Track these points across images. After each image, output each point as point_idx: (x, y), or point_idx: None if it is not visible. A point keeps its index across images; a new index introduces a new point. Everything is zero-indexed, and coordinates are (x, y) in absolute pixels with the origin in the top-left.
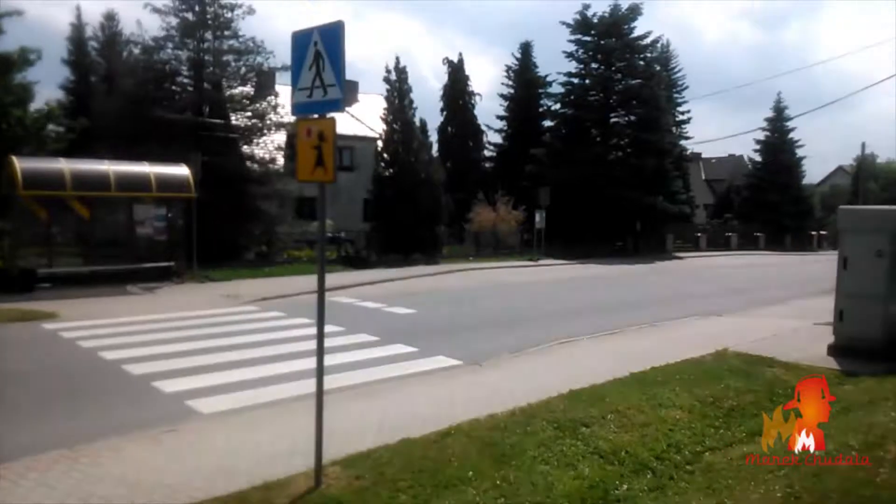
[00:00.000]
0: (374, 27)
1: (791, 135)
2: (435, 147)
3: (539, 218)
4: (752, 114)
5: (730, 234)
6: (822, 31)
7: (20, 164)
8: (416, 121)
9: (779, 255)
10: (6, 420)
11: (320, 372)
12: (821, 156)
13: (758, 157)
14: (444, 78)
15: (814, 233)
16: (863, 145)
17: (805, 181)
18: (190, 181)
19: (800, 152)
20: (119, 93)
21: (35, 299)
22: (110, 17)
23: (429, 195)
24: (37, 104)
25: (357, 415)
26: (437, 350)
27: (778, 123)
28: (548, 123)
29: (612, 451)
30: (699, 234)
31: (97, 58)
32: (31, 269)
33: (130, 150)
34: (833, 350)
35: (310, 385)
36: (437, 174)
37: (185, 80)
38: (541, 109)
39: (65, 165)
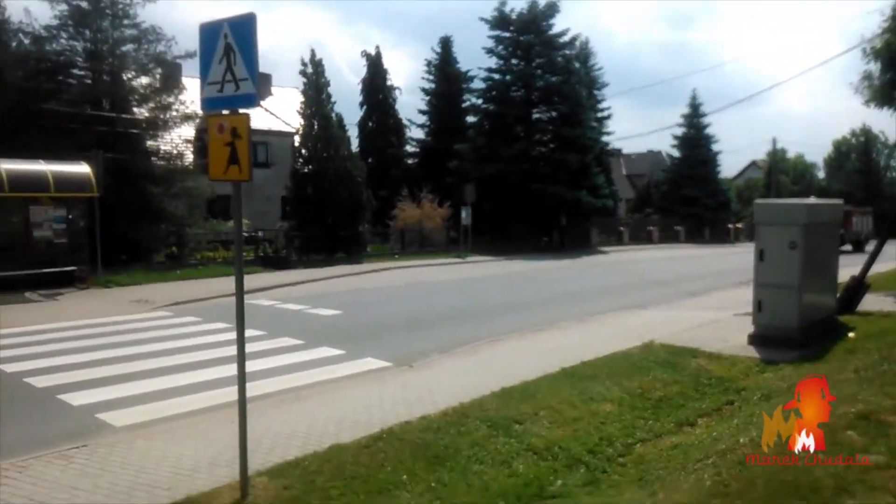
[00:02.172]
0: (286, 18)
1: (706, 130)
2: (356, 142)
3: (465, 214)
4: (669, 110)
5: (651, 227)
6: (729, 30)
7: None
8: (335, 115)
9: (698, 247)
10: None
11: (242, 378)
12: (735, 150)
13: (676, 153)
14: (363, 72)
15: (731, 225)
16: (773, 140)
17: (721, 175)
18: (91, 179)
19: (715, 147)
20: (7, 85)
21: None
22: None
23: (350, 192)
24: None
25: (283, 422)
26: (365, 352)
27: (694, 119)
28: (471, 119)
29: (546, 447)
30: (622, 229)
31: None
32: None
33: (24, 148)
34: (753, 339)
35: (231, 393)
36: (359, 170)
37: (82, 72)
38: (463, 105)
39: None
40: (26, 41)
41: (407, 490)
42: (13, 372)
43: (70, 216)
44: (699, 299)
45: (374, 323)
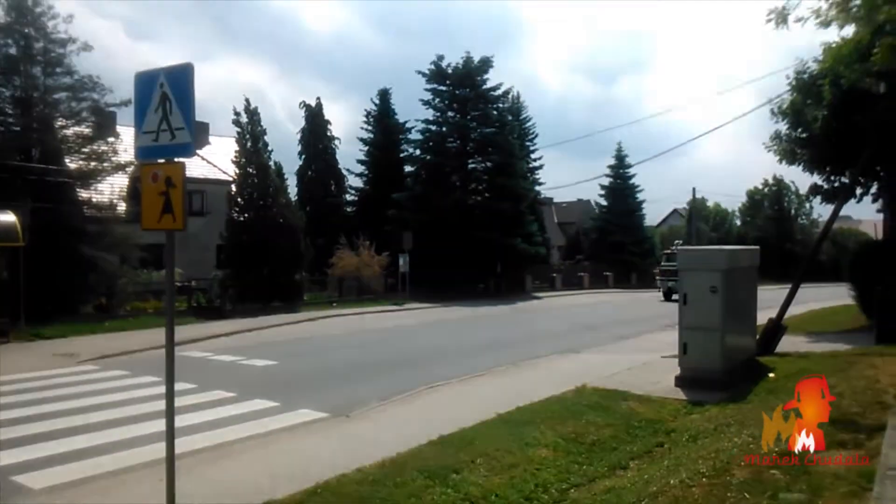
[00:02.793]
0: (225, 68)
1: (631, 181)
2: (294, 191)
3: (403, 262)
4: (597, 161)
5: (582, 273)
6: (650, 86)
7: None
8: (272, 164)
9: (627, 292)
10: None
11: (170, 434)
12: (658, 199)
13: (603, 202)
14: (302, 122)
15: (656, 271)
16: (693, 190)
17: (646, 223)
18: (17, 228)
19: (640, 196)
20: None
21: None
22: None
23: (287, 240)
24: None
25: (214, 479)
26: (301, 403)
27: (619, 170)
28: (409, 168)
29: (483, 496)
30: (555, 275)
31: None
32: None
33: None
34: (680, 381)
35: (160, 449)
36: (297, 219)
37: (10, 120)
38: (401, 155)
39: None
40: None
41: None
42: None
43: None
44: (629, 342)
45: (311, 372)
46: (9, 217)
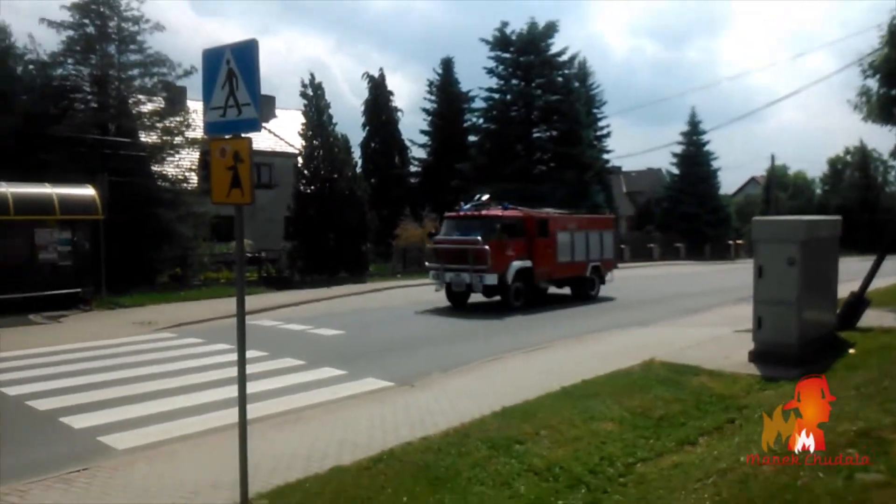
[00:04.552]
0: (288, 42)
1: (706, 147)
2: (358, 163)
3: None
4: (668, 128)
5: (652, 245)
6: (724, 48)
7: None
8: (339, 137)
9: (699, 264)
10: None
11: (243, 400)
12: (734, 167)
13: (675, 170)
14: (364, 93)
15: (731, 242)
16: (772, 157)
17: (721, 192)
18: (97, 202)
19: (715, 164)
20: (13, 110)
21: None
22: (1, 31)
23: (353, 212)
24: None
25: (284, 444)
26: (367, 372)
27: (693, 137)
28: (472, 138)
29: (547, 468)
30: (623, 246)
31: None
32: None
33: (30, 171)
34: (754, 356)
35: (232, 415)
36: (362, 191)
37: (88, 97)
38: (465, 124)
39: None
40: (31, 67)
41: None
42: (16, 395)
43: (75, 239)
44: (700, 316)
45: (376, 343)
46: (88, 191)
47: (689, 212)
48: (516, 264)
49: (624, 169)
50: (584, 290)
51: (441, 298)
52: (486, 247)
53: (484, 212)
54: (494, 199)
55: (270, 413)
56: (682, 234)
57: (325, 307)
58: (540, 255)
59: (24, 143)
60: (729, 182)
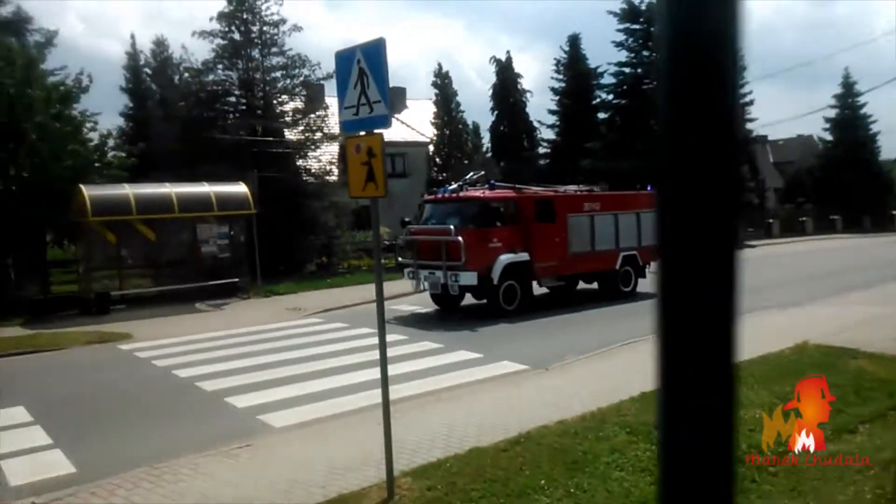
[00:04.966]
0: (417, 30)
1: (862, 110)
2: (487, 147)
3: None
4: (818, 92)
5: (804, 218)
6: (876, 1)
7: (88, 191)
8: (469, 123)
9: (858, 237)
10: (93, 439)
11: (385, 382)
12: None
13: (828, 136)
14: (492, 77)
15: (895, 212)
16: None
17: (882, 157)
18: (249, 198)
19: (873, 128)
20: (174, 117)
21: (110, 321)
22: (160, 44)
23: None
24: (100, 132)
25: (425, 424)
26: (502, 355)
27: (847, 100)
28: (602, 115)
29: None
30: (771, 221)
31: (151, 84)
32: (106, 292)
33: (189, 172)
34: None
35: (376, 395)
36: (493, 175)
37: (237, 100)
38: (594, 102)
39: (129, 190)
40: (186, 75)
41: (546, 494)
42: (186, 377)
43: (232, 232)
44: (859, 294)
45: (510, 326)
46: (242, 188)
47: (845, 181)
48: (505, 258)
49: (770, 137)
50: (614, 285)
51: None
52: (459, 238)
53: (463, 193)
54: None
55: (411, 394)
56: (838, 205)
57: None
58: (542, 245)
59: (183, 146)
60: (890, 147)
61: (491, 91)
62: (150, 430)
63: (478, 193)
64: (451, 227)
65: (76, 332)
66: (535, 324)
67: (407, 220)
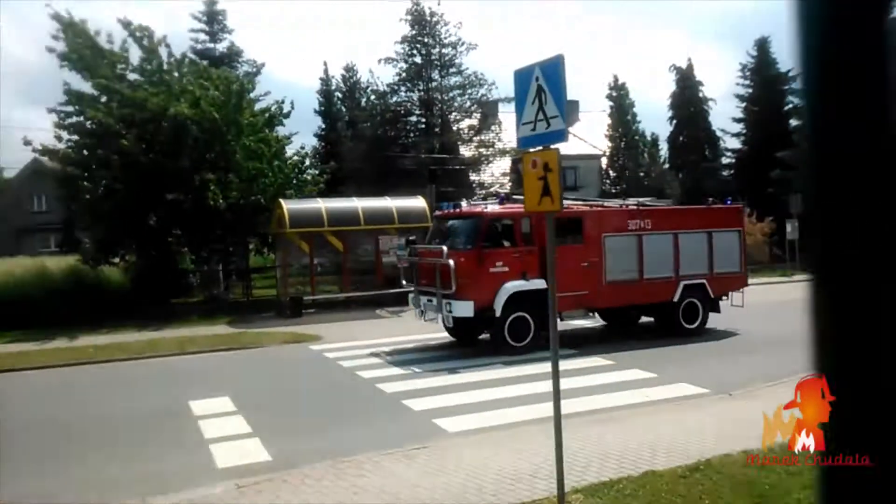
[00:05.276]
0: (587, 33)
1: None
2: (665, 158)
3: (790, 228)
4: None
5: None
6: None
7: (287, 206)
8: (650, 134)
9: None
10: (286, 430)
11: (557, 396)
12: None
13: None
14: (671, 85)
15: None
16: None
17: None
18: (426, 211)
19: None
20: (360, 136)
21: (303, 323)
22: (349, 69)
23: None
24: (297, 152)
25: (596, 441)
26: (678, 376)
27: None
28: (795, 123)
29: None
30: None
31: (341, 107)
32: (299, 297)
33: (373, 187)
34: None
35: (545, 409)
36: (671, 187)
37: (417, 119)
38: (785, 108)
39: (322, 205)
40: (373, 98)
41: None
42: (368, 378)
43: (411, 242)
44: None
45: (687, 346)
46: (420, 203)
47: None
48: (512, 286)
49: None
50: (672, 321)
51: (766, 300)
52: (451, 261)
53: (466, 208)
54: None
55: (581, 410)
56: None
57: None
58: (564, 270)
59: (368, 163)
60: None
61: (669, 100)
62: (335, 426)
63: (479, 209)
64: (444, 247)
65: (274, 332)
66: (712, 346)
67: (412, 237)
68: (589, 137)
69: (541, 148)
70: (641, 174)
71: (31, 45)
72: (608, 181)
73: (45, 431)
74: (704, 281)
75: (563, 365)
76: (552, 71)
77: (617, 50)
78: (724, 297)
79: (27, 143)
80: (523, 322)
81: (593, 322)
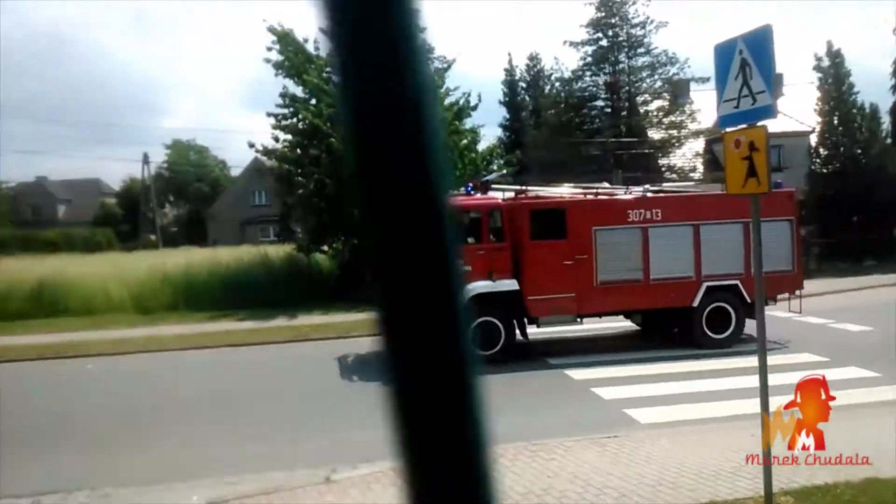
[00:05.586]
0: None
1: None
2: (888, 132)
3: None
4: None
5: None
6: None
7: None
8: (868, 106)
9: None
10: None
11: (765, 392)
12: None
13: None
14: (891, 52)
15: None
16: None
17: None
18: None
19: None
20: (544, 124)
21: None
22: (533, 58)
23: (885, 192)
24: (484, 143)
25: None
26: None
27: None
28: None
29: None
30: None
31: (525, 96)
32: None
33: (557, 175)
34: None
35: (748, 405)
36: (893, 166)
37: (602, 104)
38: None
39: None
40: (557, 85)
41: None
42: (557, 363)
43: None
44: None
45: None
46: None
47: None
48: (474, 288)
49: None
50: (693, 329)
51: None
52: None
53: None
54: None
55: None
56: None
57: (849, 299)
58: (541, 270)
59: (552, 151)
60: None
61: (893, 66)
62: (529, 410)
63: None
64: None
65: None
66: None
67: None
68: (795, 112)
69: (744, 126)
70: (858, 151)
71: (252, 59)
72: (818, 160)
73: (273, 401)
74: (738, 282)
75: (770, 360)
76: (759, 43)
77: (820, 16)
78: (772, 302)
79: (251, 145)
80: (492, 328)
81: (802, 315)
